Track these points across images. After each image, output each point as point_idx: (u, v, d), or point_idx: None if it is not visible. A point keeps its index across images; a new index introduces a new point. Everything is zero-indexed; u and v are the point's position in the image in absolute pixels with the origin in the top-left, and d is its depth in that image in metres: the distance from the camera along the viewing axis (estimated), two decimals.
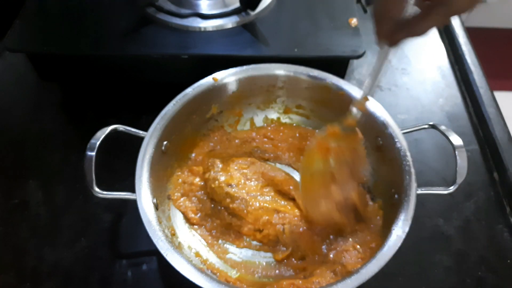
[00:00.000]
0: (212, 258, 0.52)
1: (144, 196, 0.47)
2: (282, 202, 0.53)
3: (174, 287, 0.52)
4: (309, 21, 0.66)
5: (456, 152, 0.48)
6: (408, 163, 0.49)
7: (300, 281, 0.46)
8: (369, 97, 0.44)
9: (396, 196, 0.49)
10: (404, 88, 0.72)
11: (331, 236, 0.51)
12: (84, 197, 0.58)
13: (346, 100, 0.56)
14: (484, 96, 0.68)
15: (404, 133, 0.52)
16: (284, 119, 0.63)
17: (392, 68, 0.75)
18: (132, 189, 0.47)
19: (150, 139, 0.51)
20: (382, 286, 0.51)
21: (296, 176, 0.57)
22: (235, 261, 0.51)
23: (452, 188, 0.47)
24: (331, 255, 0.49)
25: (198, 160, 0.59)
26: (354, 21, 0.65)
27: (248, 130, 0.63)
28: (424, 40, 0.79)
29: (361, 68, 0.73)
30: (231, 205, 0.52)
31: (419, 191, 0.47)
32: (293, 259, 0.51)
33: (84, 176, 0.46)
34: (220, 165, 0.55)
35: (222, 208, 0.53)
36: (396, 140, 0.51)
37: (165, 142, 0.53)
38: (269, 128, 0.62)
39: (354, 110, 0.46)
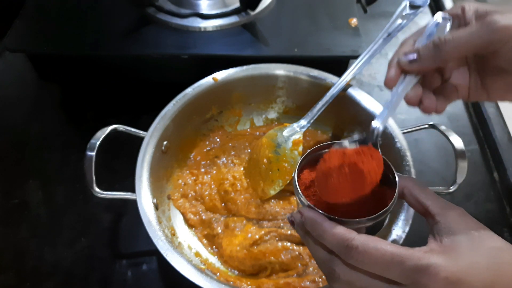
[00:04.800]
0: (212, 258, 0.52)
1: (144, 196, 0.47)
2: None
3: (174, 287, 0.52)
4: (309, 21, 0.66)
5: (456, 152, 0.48)
6: (408, 163, 0.49)
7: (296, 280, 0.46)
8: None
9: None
10: None
11: None
12: (84, 197, 0.58)
13: (346, 100, 0.56)
14: None
15: (404, 133, 0.52)
16: (284, 119, 0.63)
17: None
18: (132, 189, 0.47)
19: (150, 139, 0.51)
20: None
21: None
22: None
23: (452, 188, 0.47)
24: None
25: (198, 160, 0.59)
26: (354, 21, 0.65)
27: (248, 129, 0.63)
28: None
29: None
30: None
31: None
32: None
33: (84, 176, 0.46)
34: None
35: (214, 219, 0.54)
36: (396, 140, 0.51)
37: (165, 142, 0.53)
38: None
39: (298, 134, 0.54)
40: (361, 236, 0.31)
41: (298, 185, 0.36)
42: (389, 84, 0.39)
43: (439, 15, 0.37)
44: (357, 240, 0.30)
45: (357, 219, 0.33)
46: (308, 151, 0.39)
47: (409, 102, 0.39)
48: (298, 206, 0.37)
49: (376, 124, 0.40)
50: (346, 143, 0.41)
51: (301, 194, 0.35)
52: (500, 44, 0.33)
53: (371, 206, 0.35)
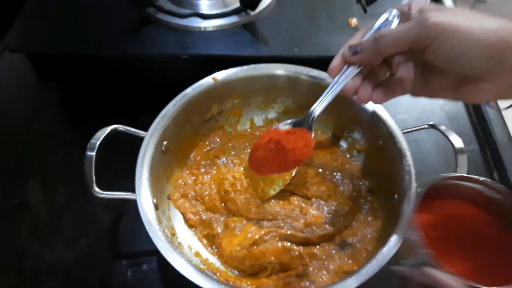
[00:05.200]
0: (212, 258, 0.52)
1: (144, 196, 0.47)
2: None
3: (174, 287, 0.52)
4: (309, 21, 0.66)
5: (456, 152, 0.48)
6: (408, 163, 0.49)
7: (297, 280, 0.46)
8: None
9: (396, 196, 0.49)
10: None
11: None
12: (84, 197, 0.58)
13: (346, 100, 0.56)
14: None
15: (404, 133, 0.52)
16: (284, 119, 0.63)
17: None
18: (132, 189, 0.47)
19: (150, 139, 0.51)
20: (382, 286, 0.51)
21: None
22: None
23: None
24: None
25: (198, 160, 0.59)
26: (354, 21, 0.65)
27: (249, 130, 0.63)
28: None
29: None
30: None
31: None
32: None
33: (84, 176, 0.46)
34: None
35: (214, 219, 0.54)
36: (396, 140, 0.51)
37: (165, 142, 0.53)
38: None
39: None
40: None
41: (420, 234, 0.30)
42: (331, 73, 0.42)
43: (389, 12, 0.39)
44: None
45: None
46: (429, 185, 0.34)
47: (346, 91, 0.42)
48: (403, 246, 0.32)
49: (312, 108, 0.44)
50: (281, 125, 0.47)
51: (428, 249, 0.29)
52: (430, 41, 0.35)
53: (504, 258, 0.31)
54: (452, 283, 0.27)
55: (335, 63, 0.42)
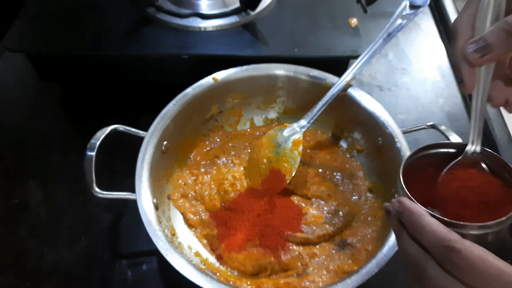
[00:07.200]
0: (212, 258, 0.52)
1: (144, 196, 0.47)
2: None
3: (174, 287, 0.52)
4: (309, 21, 0.66)
5: None
6: None
7: (296, 280, 0.46)
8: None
9: (396, 196, 0.49)
10: (404, 88, 0.72)
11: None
12: (84, 197, 0.58)
13: (346, 100, 0.56)
14: None
15: (404, 133, 0.52)
16: (284, 119, 0.63)
17: (392, 68, 0.75)
18: (132, 189, 0.47)
19: (150, 139, 0.51)
20: (382, 286, 0.51)
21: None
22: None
23: None
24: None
25: (198, 160, 0.59)
26: (354, 21, 0.65)
27: (249, 129, 0.63)
28: (424, 40, 0.79)
29: None
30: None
31: None
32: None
33: (84, 176, 0.46)
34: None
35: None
36: (396, 140, 0.51)
37: (165, 142, 0.53)
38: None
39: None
40: (466, 240, 0.27)
41: (402, 177, 0.34)
42: (470, 87, 0.34)
43: None
44: (460, 244, 0.26)
45: (463, 223, 0.29)
46: (422, 147, 0.38)
47: (496, 104, 0.35)
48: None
49: None
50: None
51: (403, 185, 0.33)
52: None
53: (487, 213, 0.31)
54: (418, 210, 0.30)
55: (467, 72, 0.33)
